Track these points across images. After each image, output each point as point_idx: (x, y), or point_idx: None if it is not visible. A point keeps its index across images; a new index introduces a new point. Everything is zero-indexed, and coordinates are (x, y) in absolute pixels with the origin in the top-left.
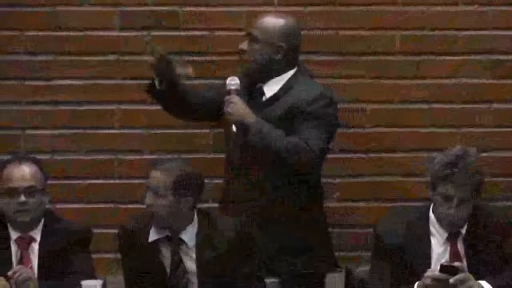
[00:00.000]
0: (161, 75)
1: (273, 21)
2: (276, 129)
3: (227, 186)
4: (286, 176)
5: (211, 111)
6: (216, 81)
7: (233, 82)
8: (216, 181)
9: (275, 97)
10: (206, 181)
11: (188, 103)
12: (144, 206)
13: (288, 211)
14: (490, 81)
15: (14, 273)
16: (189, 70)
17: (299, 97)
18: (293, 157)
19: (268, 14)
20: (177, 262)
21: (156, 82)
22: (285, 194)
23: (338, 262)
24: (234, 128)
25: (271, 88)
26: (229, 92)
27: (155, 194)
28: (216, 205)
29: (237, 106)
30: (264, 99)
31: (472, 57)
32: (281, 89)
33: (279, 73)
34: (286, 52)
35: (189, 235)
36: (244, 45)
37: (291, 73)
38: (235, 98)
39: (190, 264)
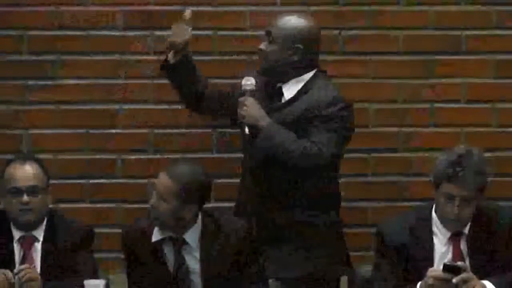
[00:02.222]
0: (174, 45)
1: (291, 22)
2: (288, 133)
3: (242, 188)
4: (299, 179)
5: (222, 104)
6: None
7: (248, 82)
8: (219, 180)
9: (293, 99)
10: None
11: (200, 87)
12: (148, 206)
13: (299, 215)
14: (494, 80)
15: (20, 271)
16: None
17: (315, 100)
18: (304, 160)
19: (288, 14)
20: (181, 262)
21: (170, 55)
22: (297, 198)
23: (352, 265)
24: (247, 130)
25: (290, 90)
26: (244, 93)
27: (160, 198)
28: (218, 204)
29: (250, 109)
30: (283, 100)
31: (476, 56)
32: (299, 91)
33: (297, 74)
34: (304, 53)
35: (192, 235)
36: (263, 45)
37: (310, 74)
38: (249, 101)
39: (194, 264)
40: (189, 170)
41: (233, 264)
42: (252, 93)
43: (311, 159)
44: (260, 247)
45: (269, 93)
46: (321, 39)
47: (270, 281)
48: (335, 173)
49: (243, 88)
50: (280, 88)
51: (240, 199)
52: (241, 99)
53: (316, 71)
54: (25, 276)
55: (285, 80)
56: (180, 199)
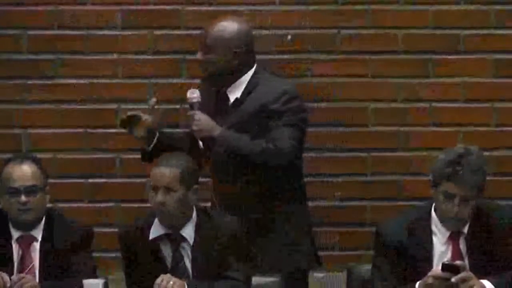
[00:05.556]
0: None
1: (225, 27)
2: (241, 136)
3: (214, 194)
4: (264, 177)
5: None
6: None
7: (194, 95)
8: None
9: (240, 101)
10: (205, 180)
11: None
12: (147, 205)
13: (268, 211)
14: (493, 80)
15: (18, 280)
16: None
17: (262, 97)
18: (264, 160)
19: (219, 20)
20: (178, 259)
21: (145, 146)
22: (265, 195)
23: (321, 259)
24: (201, 144)
25: (234, 92)
26: (191, 106)
27: (166, 190)
28: None
29: (201, 122)
30: (229, 104)
31: (475, 56)
32: (243, 91)
33: (239, 76)
34: (243, 55)
35: (189, 231)
36: (199, 55)
37: (251, 73)
38: (198, 114)
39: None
40: (181, 156)
41: (225, 262)
42: (198, 105)
43: (271, 157)
44: (251, 247)
45: (214, 101)
46: (254, 37)
47: (269, 279)
48: (298, 168)
49: (189, 101)
50: (225, 93)
51: (214, 203)
52: (190, 113)
53: (256, 68)
54: (24, 285)
55: (228, 85)
56: (184, 184)
